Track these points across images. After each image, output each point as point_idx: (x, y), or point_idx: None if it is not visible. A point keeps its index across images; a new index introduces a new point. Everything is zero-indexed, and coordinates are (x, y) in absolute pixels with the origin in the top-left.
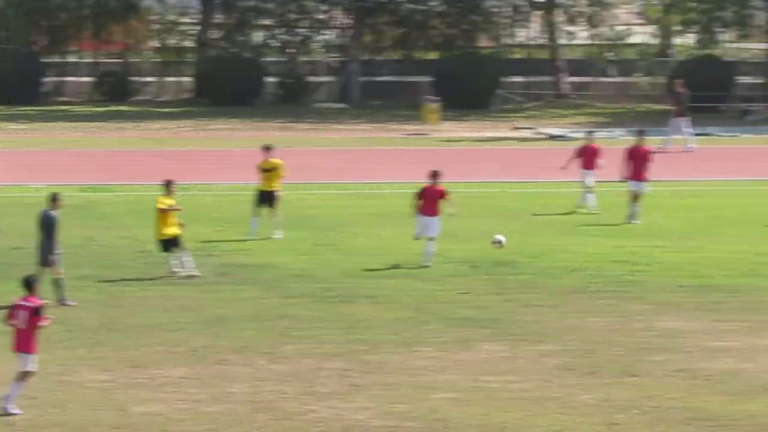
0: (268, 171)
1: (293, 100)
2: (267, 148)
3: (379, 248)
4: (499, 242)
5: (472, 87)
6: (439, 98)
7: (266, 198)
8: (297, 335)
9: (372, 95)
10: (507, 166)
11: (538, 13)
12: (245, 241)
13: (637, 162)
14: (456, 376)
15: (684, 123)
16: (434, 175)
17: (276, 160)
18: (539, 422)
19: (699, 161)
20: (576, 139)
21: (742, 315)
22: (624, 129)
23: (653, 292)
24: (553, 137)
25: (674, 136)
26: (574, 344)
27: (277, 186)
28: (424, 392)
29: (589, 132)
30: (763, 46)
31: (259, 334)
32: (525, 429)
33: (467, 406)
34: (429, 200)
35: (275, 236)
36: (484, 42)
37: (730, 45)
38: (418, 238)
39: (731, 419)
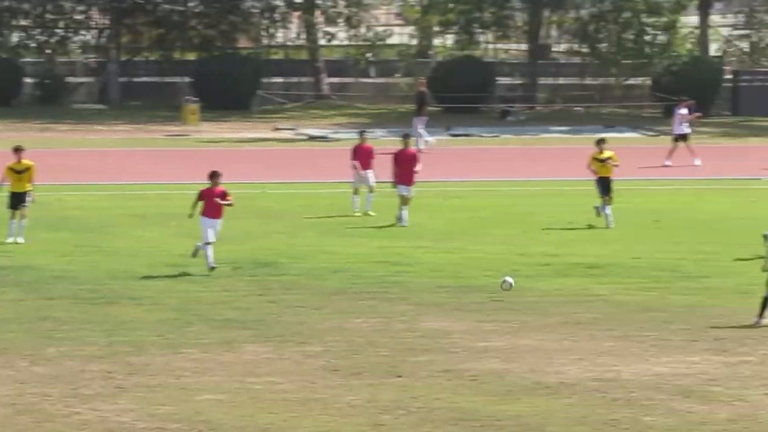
0: (20, 172)
1: (52, 101)
2: (17, 150)
3: (143, 250)
4: (510, 285)
5: (232, 88)
6: (198, 99)
7: (19, 200)
8: (59, 337)
9: (132, 96)
10: (268, 167)
11: (298, 13)
12: (5, 243)
13: (404, 165)
14: (220, 378)
15: (418, 122)
16: (213, 176)
17: (28, 161)
18: (304, 423)
19: (461, 162)
20: (338, 140)
21: (504, 315)
22: (385, 130)
23: (416, 293)
24: (313, 138)
25: (426, 136)
26: (338, 345)
27: (30, 187)
28: (189, 394)
29: (362, 132)
30: (522, 46)
31: (21, 336)
32: (289, 430)
33: (232, 408)
34: (211, 202)
35: (18, 241)
36: (243, 43)
37: (489, 46)
38: (207, 242)
39: (496, 419)
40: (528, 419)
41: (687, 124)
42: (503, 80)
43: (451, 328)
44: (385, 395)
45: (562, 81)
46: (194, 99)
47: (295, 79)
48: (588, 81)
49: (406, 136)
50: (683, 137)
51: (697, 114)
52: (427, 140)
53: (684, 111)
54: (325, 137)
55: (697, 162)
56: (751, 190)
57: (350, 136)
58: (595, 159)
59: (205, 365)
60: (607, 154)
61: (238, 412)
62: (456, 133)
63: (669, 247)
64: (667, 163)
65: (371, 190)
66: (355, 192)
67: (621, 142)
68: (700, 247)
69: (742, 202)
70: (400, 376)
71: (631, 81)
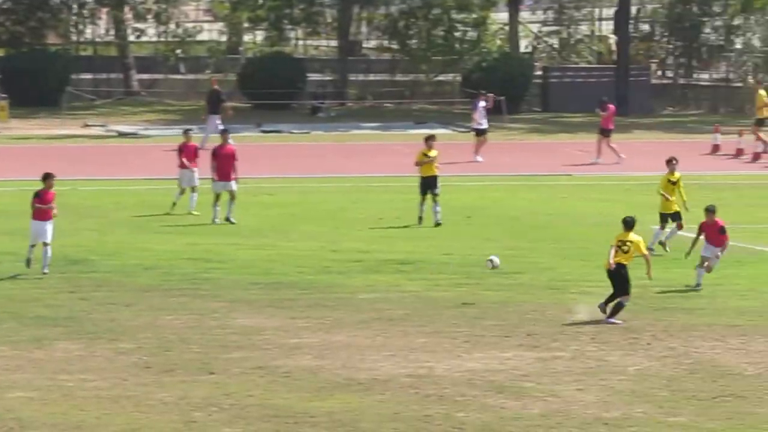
0: None
1: None
2: None
3: None
4: (491, 262)
5: (41, 84)
6: (7, 96)
7: None
8: None
9: None
10: (78, 164)
11: (106, 10)
12: None
13: (223, 162)
14: (32, 375)
15: (212, 120)
16: (46, 178)
17: None
18: (116, 421)
19: (271, 158)
20: (148, 136)
21: (316, 312)
22: (196, 126)
23: (228, 290)
24: (123, 134)
25: (211, 134)
26: (150, 342)
27: None
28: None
29: (187, 130)
30: (332, 43)
31: None
32: (101, 428)
33: (43, 405)
34: (44, 205)
35: None
36: (52, 39)
37: (299, 42)
38: (33, 245)
39: (309, 416)
40: (341, 416)
41: (486, 118)
42: (314, 77)
43: (263, 324)
44: (198, 392)
45: (372, 77)
46: (3, 95)
47: (104, 76)
48: (398, 77)
49: (224, 132)
50: (482, 131)
51: (490, 96)
52: (207, 136)
53: (483, 104)
54: (135, 134)
55: (479, 159)
56: (561, 186)
57: (160, 133)
58: (424, 155)
59: (16, 362)
60: (434, 152)
61: (50, 409)
62: (266, 129)
63: (480, 243)
64: (478, 158)
65: (194, 190)
66: (182, 191)
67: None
68: (511, 242)
69: (553, 198)
70: (212, 373)
71: (441, 77)
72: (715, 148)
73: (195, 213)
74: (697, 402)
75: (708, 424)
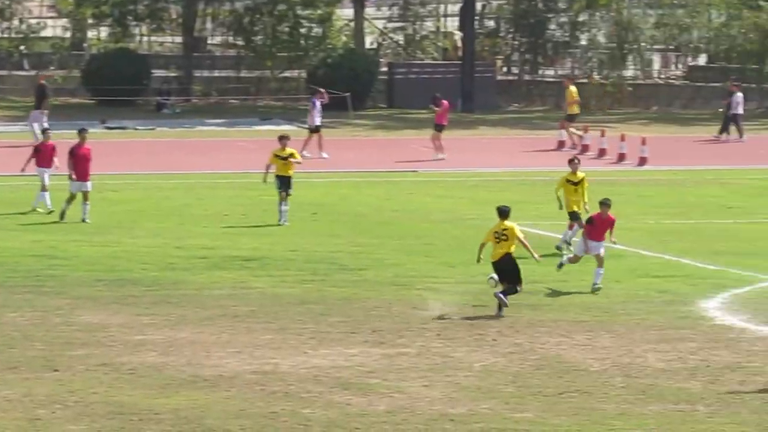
0: None
1: None
2: None
3: None
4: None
5: None
6: None
7: None
8: None
9: None
10: None
11: None
12: None
13: (81, 161)
14: None
15: (36, 116)
16: None
17: None
18: None
19: (116, 155)
20: None
21: (161, 308)
22: (37, 123)
23: (72, 287)
24: None
25: (37, 130)
26: None
27: None
28: None
29: (45, 130)
30: (177, 39)
31: None
32: None
33: None
34: None
35: None
36: None
37: (144, 38)
38: None
39: (154, 413)
40: (186, 412)
41: (321, 116)
42: (158, 73)
43: (107, 321)
44: (42, 389)
45: (217, 74)
46: None
47: None
48: (244, 74)
49: (82, 132)
50: (317, 128)
51: (322, 91)
52: (37, 134)
53: (320, 102)
54: None
55: (324, 155)
56: (406, 182)
57: (4, 129)
58: (277, 156)
59: None
60: (288, 151)
61: None
62: (111, 125)
63: (326, 240)
64: (324, 155)
65: (44, 188)
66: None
67: (277, 135)
68: (357, 239)
69: (398, 194)
70: (56, 370)
71: (287, 74)
72: (560, 144)
73: (40, 210)
74: (543, 398)
75: (554, 420)
